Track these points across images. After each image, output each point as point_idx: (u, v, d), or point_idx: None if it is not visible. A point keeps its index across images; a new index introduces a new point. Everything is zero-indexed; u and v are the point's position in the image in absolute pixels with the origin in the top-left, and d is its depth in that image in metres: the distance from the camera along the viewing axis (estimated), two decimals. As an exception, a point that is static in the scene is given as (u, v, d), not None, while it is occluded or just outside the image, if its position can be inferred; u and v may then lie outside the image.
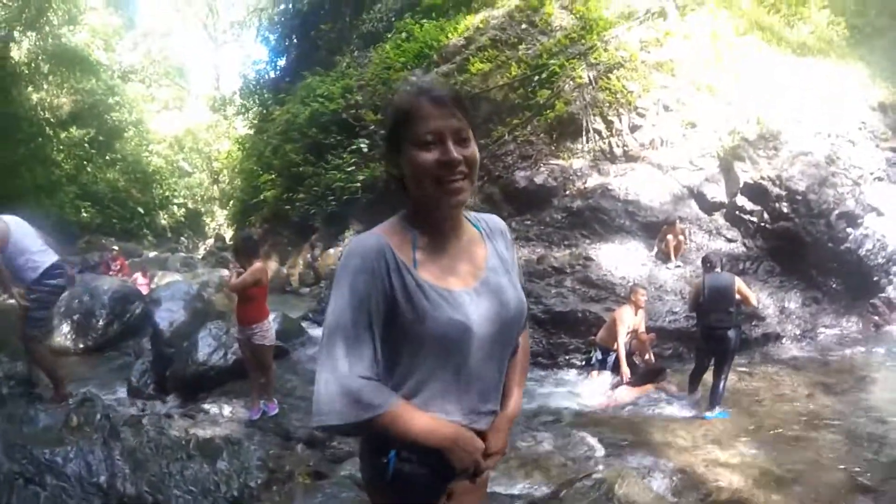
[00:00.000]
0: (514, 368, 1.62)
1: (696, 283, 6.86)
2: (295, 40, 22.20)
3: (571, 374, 7.51)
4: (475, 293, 1.42)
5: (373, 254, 1.37)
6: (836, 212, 9.02)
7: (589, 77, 10.47)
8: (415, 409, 1.37)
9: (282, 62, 23.65)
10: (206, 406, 5.40)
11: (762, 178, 9.26)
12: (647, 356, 7.40)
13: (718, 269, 6.41)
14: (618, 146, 9.86)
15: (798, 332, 8.80)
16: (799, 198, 9.07)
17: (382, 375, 1.37)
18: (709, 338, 6.32)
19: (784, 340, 8.65)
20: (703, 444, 5.41)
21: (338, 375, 1.32)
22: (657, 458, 5.00)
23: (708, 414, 6.04)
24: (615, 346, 7.00)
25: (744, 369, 7.68)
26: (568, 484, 4.21)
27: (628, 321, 6.95)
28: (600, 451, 5.15)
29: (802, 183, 9.15)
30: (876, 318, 9.31)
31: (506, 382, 1.59)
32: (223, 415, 5.27)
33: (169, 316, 7.92)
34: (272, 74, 23.89)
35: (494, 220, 1.63)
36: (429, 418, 1.38)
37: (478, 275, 1.46)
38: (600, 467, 4.62)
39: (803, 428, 6.03)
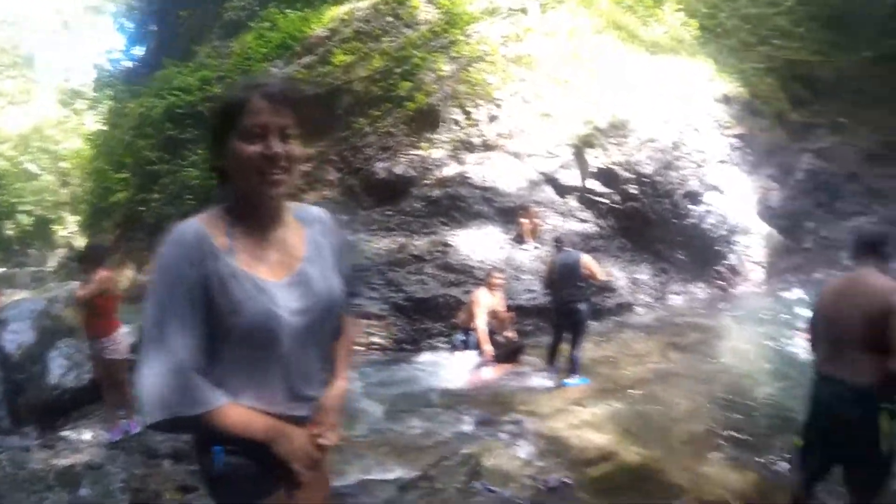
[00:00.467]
0: (338, 351, 1.70)
1: (548, 262, 7.33)
2: (154, 28, 21.21)
3: (437, 357, 7.74)
4: (287, 284, 1.46)
5: (191, 241, 1.40)
6: (681, 191, 9.95)
7: (450, 70, 10.78)
8: (235, 405, 1.38)
9: (139, 51, 22.57)
10: (65, 433, 5.22)
11: (612, 163, 9.97)
12: (508, 334, 7.77)
13: (568, 249, 6.91)
14: (476, 136, 10.14)
15: (649, 300, 9.70)
16: (646, 180, 9.91)
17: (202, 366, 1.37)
18: (561, 312, 6.82)
19: (637, 308, 9.51)
20: (567, 409, 5.74)
21: (166, 368, 1.32)
22: (523, 427, 5.26)
23: (569, 381, 6.47)
24: (474, 327, 7.36)
25: (600, 338, 8.28)
26: (437, 463, 4.40)
27: (484, 302, 7.36)
28: (469, 428, 5.38)
29: (649, 167, 10.00)
30: (721, 282, 10.36)
31: (332, 365, 1.65)
32: (84, 440, 5.10)
33: (16, 338, 7.21)
34: (128, 65, 22.71)
35: (316, 212, 1.67)
36: (245, 412, 1.41)
37: (292, 266, 1.50)
38: (469, 443, 4.83)
39: (658, 385, 6.52)
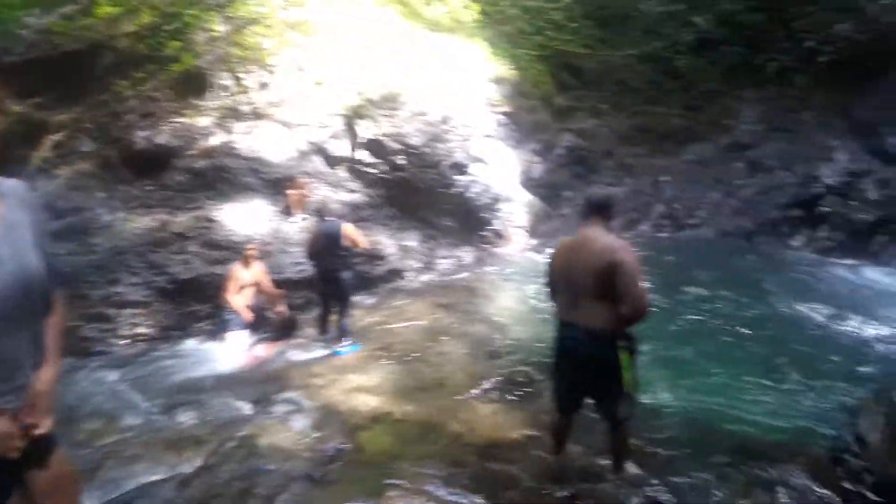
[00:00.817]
0: (48, 333, 1.57)
1: (310, 232, 7.43)
2: None
3: (207, 341, 7.56)
4: None
5: None
6: (447, 162, 10.55)
7: (224, 31, 10.45)
8: None
9: None
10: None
11: (382, 134, 10.29)
12: (279, 309, 7.78)
13: (330, 218, 7.00)
14: (245, 103, 9.93)
15: (419, 266, 10.10)
16: (414, 151, 10.34)
17: None
18: (325, 281, 6.98)
19: (407, 274, 9.86)
20: (341, 376, 5.97)
21: None
22: (297, 400, 5.38)
23: (340, 350, 6.68)
24: (240, 306, 7.32)
25: (372, 304, 8.59)
26: (216, 451, 4.42)
27: (237, 277, 7.40)
28: (247, 410, 5.36)
29: (418, 139, 10.44)
30: (486, 246, 11.14)
31: (42, 348, 1.52)
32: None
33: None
34: None
35: (11, 184, 1.52)
36: None
37: None
38: (246, 426, 4.87)
39: (427, 343, 6.91)
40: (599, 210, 3.80)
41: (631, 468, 4.25)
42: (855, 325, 8.31)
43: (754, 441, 4.99)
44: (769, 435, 5.16)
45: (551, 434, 4.19)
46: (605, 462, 4.22)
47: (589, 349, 3.65)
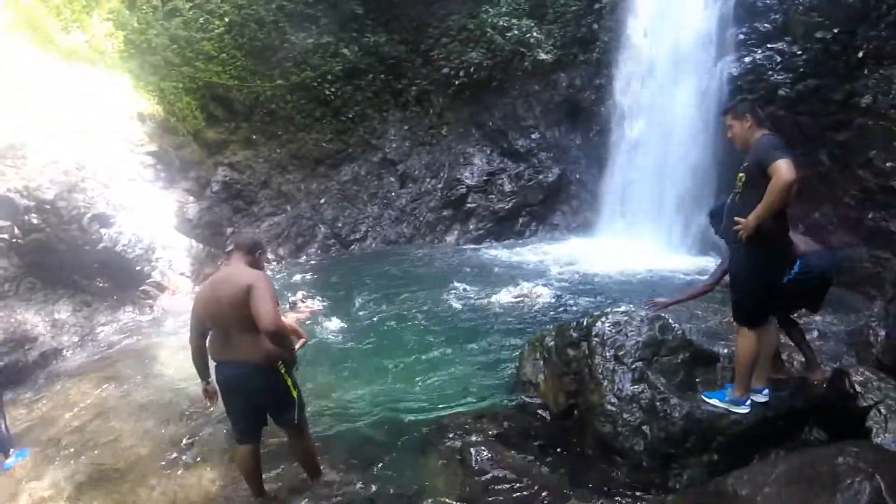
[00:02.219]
0: None
1: None
2: None
3: None
4: None
5: None
6: (88, 215, 10.03)
7: None
8: None
9: None
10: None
11: (9, 189, 9.39)
12: None
13: None
14: None
15: (76, 340, 9.37)
16: (48, 206, 9.60)
17: None
18: None
19: (65, 352, 9.06)
20: (15, 492, 5.44)
21: None
22: None
23: (7, 463, 5.95)
24: None
25: (30, 398, 7.72)
26: None
27: None
28: None
29: (51, 191, 9.70)
30: (150, 301, 10.84)
31: None
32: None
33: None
34: None
35: None
36: None
37: None
38: None
39: (102, 425, 6.58)
40: (241, 249, 4.20)
41: (329, 474, 4.85)
42: (506, 293, 10.43)
43: (442, 419, 5.79)
44: (454, 409, 6.00)
45: (244, 473, 4.51)
46: (303, 477, 4.77)
47: (251, 382, 4.01)
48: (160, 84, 13.47)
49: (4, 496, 5.47)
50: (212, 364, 4.28)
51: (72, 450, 6.16)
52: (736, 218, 4.29)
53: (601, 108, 15.78)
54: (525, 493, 4.46)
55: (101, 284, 10.34)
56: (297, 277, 12.97)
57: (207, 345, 4.19)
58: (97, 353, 9.20)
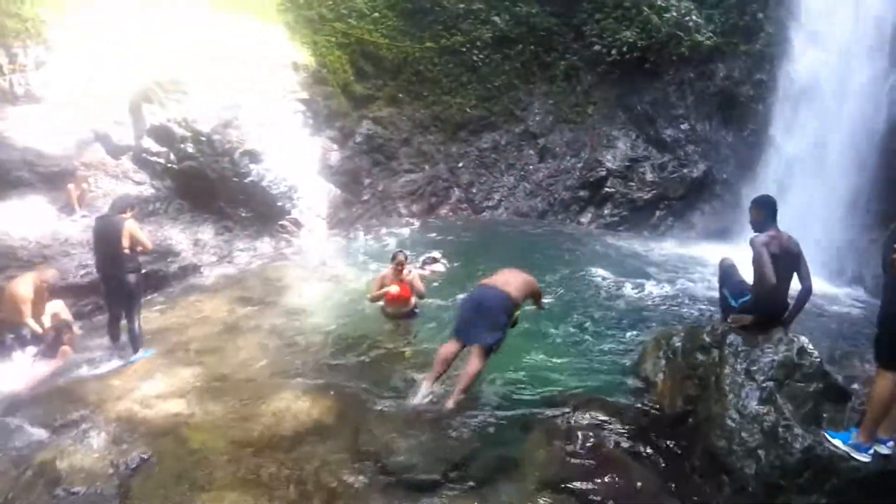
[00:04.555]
0: None
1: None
2: None
3: None
4: None
5: None
6: (240, 150, 10.74)
7: None
8: None
9: None
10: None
11: (169, 119, 10.22)
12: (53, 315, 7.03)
13: (109, 215, 6.57)
14: (20, 84, 9.43)
15: (215, 259, 10.04)
16: (203, 138, 10.40)
17: None
18: (108, 284, 6.54)
19: (203, 269, 9.70)
20: (137, 385, 5.79)
21: None
22: (94, 416, 5.18)
23: (134, 357, 6.39)
24: (24, 321, 6.60)
25: (164, 305, 8.27)
26: (15, 484, 4.18)
27: (25, 292, 6.65)
28: (41, 434, 5.03)
29: (208, 124, 10.51)
30: (286, 236, 11.46)
31: None
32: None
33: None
34: None
35: None
36: None
37: None
38: (42, 451, 4.61)
39: (226, 340, 6.94)
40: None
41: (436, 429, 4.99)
42: (635, 287, 10.03)
43: (554, 396, 5.78)
44: (567, 389, 5.94)
45: (440, 359, 5.55)
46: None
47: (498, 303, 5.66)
48: (313, 37, 13.96)
49: (125, 384, 5.86)
50: None
51: (195, 357, 6.50)
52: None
53: (759, 106, 14.47)
54: (621, 489, 4.39)
55: (243, 214, 11.03)
56: (431, 235, 13.08)
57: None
58: (232, 275, 9.78)
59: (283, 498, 4.18)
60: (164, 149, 10.29)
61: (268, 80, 12.10)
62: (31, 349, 6.65)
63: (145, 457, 4.58)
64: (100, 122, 9.94)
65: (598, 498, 4.25)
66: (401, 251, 7.98)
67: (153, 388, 5.72)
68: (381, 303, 7.80)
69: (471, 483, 4.38)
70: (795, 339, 5.07)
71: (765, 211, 5.17)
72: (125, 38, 10.66)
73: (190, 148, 10.37)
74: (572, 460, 4.64)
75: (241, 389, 5.72)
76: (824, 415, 4.71)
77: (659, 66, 15.66)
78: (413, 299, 7.77)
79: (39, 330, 6.69)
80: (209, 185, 10.53)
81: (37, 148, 9.08)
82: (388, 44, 15.27)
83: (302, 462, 4.55)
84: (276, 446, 4.78)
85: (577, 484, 4.36)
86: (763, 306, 5.16)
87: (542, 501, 4.23)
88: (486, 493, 4.30)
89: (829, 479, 4.16)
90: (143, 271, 7.09)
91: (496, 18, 16.42)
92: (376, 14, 15.40)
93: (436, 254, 10.63)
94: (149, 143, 10.23)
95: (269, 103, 11.82)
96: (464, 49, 16.16)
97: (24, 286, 6.67)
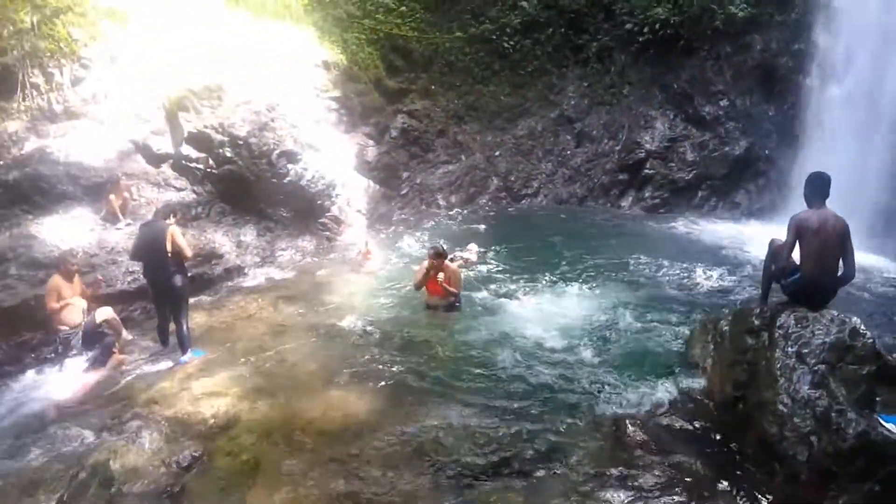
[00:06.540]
0: None
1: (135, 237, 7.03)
2: None
3: (46, 370, 6.93)
4: None
5: None
6: (277, 151, 10.85)
7: (32, 21, 9.91)
8: None
9: None
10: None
11: (205, 126, 10.38)
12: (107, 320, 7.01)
13: (153, 221, 6.75)
14: (58, 102, 9.67)
15: (258, 260, 10.19)
16: (241, 142, 10.56)
17: None
18: (155, 288, 6.68)
19: (246, 270, 9.87)
20: (187, 385, 5.89)
21: None
22: (146, 416, 5.30)
23: (183, 358, 6.51)
24: (73, 324, 6.79)
25: (211, 307, 8.41)
26: (70, 486, 4.24)
27: (56, 290, 6.80)
28: (91, 438, 5.13)
29: (244, 128, 10.68)
30: (327, 233, 11.55)
31: None
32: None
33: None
34: None
35: None
36: None
37: None
38: (96, 452, 4.64)
39: (273, 339, 7.08)
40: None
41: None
42: (679, 270, 9.93)
43: (602, 383, 5.84)
44: (616, 376, 5.99)
45: None
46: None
47: None
48: (343, 35, 14.03)
49: (176, 385, 5.97)
50: None
51: (243, 356, 6.60)
52: None
53: (799, 78, 13.94)
54: (670, 480, 4.36)
55: (284, 214, 11.15)
56: (472, 226, 13.05)
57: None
58: (275, 274, 9.98)
59: (334, 493, 4.23)
60: (202, 154, 10.47)
61: (301, 80, 12.26)
62: (83, 357, 6.74)
63: (197, 455, 4.68)
64: (139, 133, 10.15)
65: (648, 488, 4.22)
66: (439, 244, 8.06)
67: (202, 388, 5.82)
68: (423, 297, 7.88)
69: (519, 476, 4.42)
70: (847, 319, 4.83)
71: (808, 188, 5.10)
72: (159, 50, 10.87)
73: (228, 152, 10.55)
74: (621, 450, 4.64)
75: (288, 387, 5.81)
76: (878, 398, 4.53)
77: (693, 42, 15.29)
78: (453, 290, 7.78)
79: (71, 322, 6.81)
80: (249, 187, 10.68)
81: (79, 161, 9.31)
82: (417, 36, 15.26)
83: (351, 457, 4.62)
84: (326, 442, 4.82)
85: (626, 474, 4.37)
86: (806, 285, 5.06)
87: (590, 493, 4.22)
88: (534, 486, 4.32)
89: (885, 466, 4.00)
90: (189, 274, 7.21)
91: (524, 3, 16.32)
92: (403, 8, 15.43)
93: (471, 246, 10.68)
94: (188, 150, 10.41)
95: (303, 103, 11.98)
96: (493, 37, 16.08)
97: (54, 283, 6.86)
